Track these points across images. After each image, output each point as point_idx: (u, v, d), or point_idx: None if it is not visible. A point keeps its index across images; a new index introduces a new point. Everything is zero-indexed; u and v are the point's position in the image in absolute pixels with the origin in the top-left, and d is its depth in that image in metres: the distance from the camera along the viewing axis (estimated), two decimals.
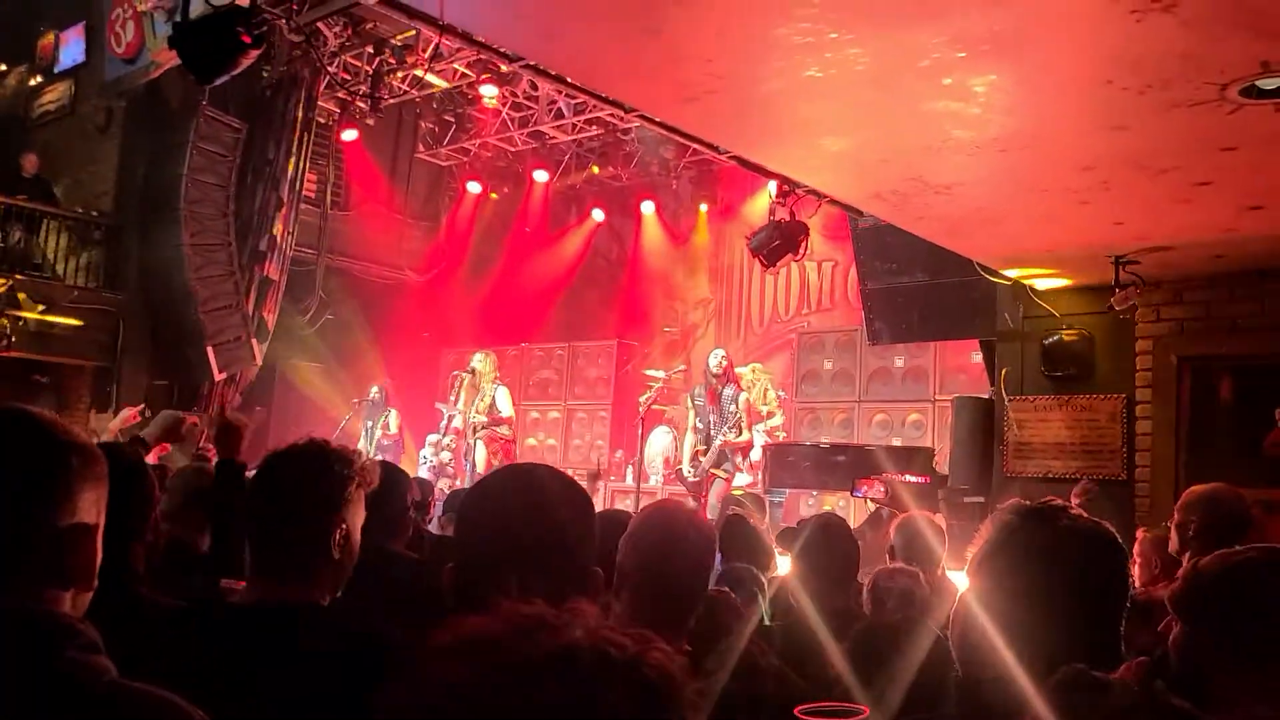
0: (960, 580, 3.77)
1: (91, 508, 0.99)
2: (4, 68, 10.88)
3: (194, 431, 3.71)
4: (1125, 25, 2.70)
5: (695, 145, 5.78)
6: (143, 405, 4.07)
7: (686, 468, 7.68)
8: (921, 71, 3.09)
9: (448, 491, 8.35)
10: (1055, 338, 5.65)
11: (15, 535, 0.93)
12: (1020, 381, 5.84)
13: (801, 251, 5.18)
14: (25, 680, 0.86)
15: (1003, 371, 5.90)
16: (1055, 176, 3.99)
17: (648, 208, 11.65)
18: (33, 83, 10.43)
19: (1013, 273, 5.64)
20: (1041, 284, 5.75)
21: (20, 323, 8.58)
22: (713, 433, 7.43)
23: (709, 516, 6.42)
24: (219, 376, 8.70)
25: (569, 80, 3.88)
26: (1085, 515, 1.24)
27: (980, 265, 5.57)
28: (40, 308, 8.69)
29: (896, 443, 8.63)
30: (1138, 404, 5.45)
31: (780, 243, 5.09)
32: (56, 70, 10.11)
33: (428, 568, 2.73)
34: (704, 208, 11.54)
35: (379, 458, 8.00)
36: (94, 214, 9.35)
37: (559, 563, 1.44)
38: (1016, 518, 1.24)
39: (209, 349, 8.50)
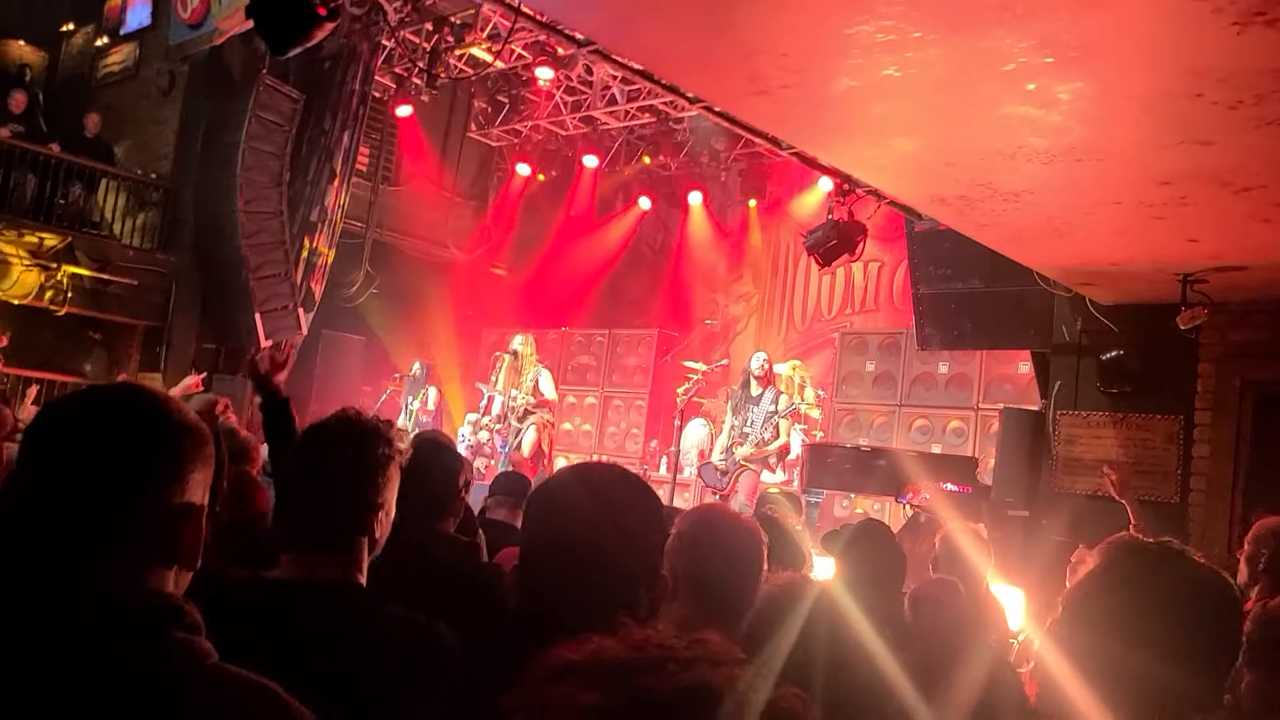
0: (1005, 595, 3.68)
1: (199, 488, 0.99)
2: (72, 27, 11.08)
3: (227, 416, 3.68)
4: (1224, 37, 2.60)
5: (753, 138, 5.72)
6: (205, 374, 4.11)
7: (716, 456, 7.65)
8: (1004, 75, 3.00)
9: (484, 471, 8.42)
10: (1114, 354, 5.51)
11: (129, 513, 0.93)
12: (1074, 396, 5.71)
13: (858, 252, 5.11)
14: (130, 660, 0.86)
15: (1056, 385, 5.77)
16: (1131, 189, 3.88)
17: (695, 198, 11.56)
18: (99, 43, 10.62)
19: (1074, 285, 5.50)
20: (1103, 298, 5.60)
21: (77, 279, 8.78)
22: (748, 430, 7.39)
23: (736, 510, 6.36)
24: (265, 344, 8.82)
25: (636, 68, 3.84)
26: (1203, 561, 1.18)
27: (1040, 276, 5.44)
28: (96, 265, 8.88)
29: (936, 449, 8.51)
30: (1196, 426, 5.31)
31: (837, 242, 5.03)
32: (122, 32, 10.28)
33: (477, 548, 2.74)
34: (753, 203, 11.43)
35: (415, 432, 8.08)
36: (152, 176, 9.52)
37: (627, 566, 1.42)
38: (1133, 557, 1.17)
39: (257, 316, 8.61)
